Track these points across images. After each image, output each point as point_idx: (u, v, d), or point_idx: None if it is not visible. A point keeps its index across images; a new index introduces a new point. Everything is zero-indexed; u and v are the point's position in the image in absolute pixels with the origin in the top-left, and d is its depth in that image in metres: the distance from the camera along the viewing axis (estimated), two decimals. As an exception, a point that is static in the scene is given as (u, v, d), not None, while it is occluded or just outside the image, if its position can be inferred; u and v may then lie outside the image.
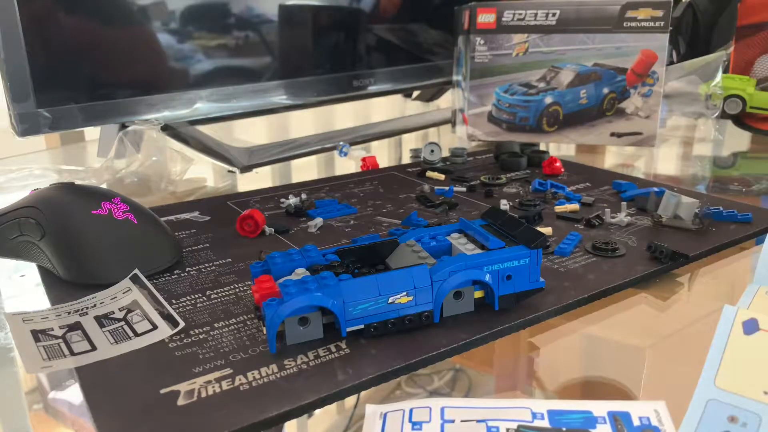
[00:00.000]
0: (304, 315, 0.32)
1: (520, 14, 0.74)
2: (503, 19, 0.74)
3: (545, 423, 0.26)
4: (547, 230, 0.48)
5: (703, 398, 0.24)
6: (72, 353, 0.32)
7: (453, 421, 0.27)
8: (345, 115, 1.07)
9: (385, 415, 0.27)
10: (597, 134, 0.76)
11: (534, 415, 0.27)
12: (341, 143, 0.73)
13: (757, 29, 0.90)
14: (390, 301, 0.33)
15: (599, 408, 0.27)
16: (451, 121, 0.86)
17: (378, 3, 0.84)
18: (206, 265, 0.43)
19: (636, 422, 0.26)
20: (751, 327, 0.27)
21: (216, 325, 0.35)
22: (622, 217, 0.50)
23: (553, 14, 0.73)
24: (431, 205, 0.55)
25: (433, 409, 0.27)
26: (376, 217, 0.53)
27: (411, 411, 0.27)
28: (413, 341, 0.33)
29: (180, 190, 0.66)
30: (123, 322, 0.35)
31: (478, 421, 0.27)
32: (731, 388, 0.25)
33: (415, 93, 1.15)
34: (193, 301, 0.38)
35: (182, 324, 0.34)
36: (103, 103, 0.62)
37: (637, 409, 0.27)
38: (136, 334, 0.34)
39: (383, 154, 0.85)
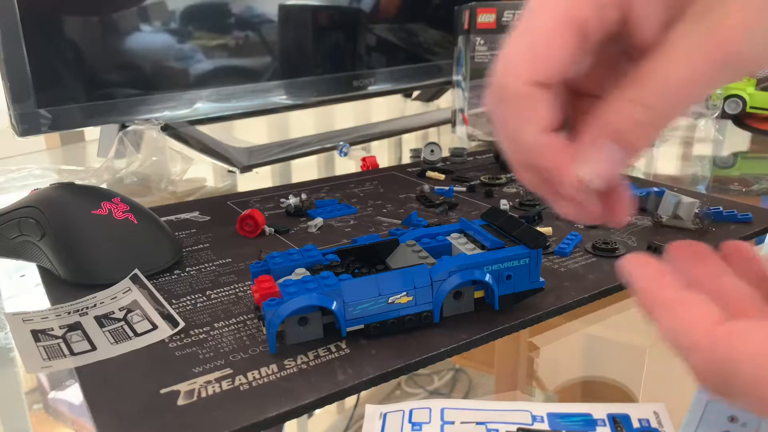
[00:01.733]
0: (304, 315, 0.32)
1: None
2: (503, 19, 0.74)
3: (545, 425, 0.26)
4: (547, 230, 0.48)
5: (702, 398, 0.24)
6: (72, 353, 0.32)
7: (453, 423, 0.27)
8: (345, 115, 1.07)
9: (385, 415, 0.27)
10: (597, 134, 0.76)
11: (534, 418, 0.27)
12: (341, 143, 0.73)
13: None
14: (390, 301, 0.33)
15: (599, 410, 0.27)
16: (451, 121, 0.86)
17: (378, 3, 0.84)
18: (206, 265, 0.43)
19: (636, 424, 0.26)
20: None
21: (216, 325, 0.35)
22: (622, 217, 0.50)
23: (553, 14, 0.73)
24: (431, 205, 0.55)
25: (433, 410, 0.27)
26: (376, 217, 0.53)
27: (411, 412, 0.27)
28: (413, 341, 0.33)
29: (180, 190, 0.66)
30: (123, 322, 0.35)
31: (477, 423, 0.27)
32: None
33: (415, 93, 1.15)
34: (193, 301, 0.38)
35: (182, 324, 0.34)
36: (103, 103, 0.62)
37: (636, 411, 0.27)
38: (136, 334, 0.34)
39: (383, 154, 0.85)
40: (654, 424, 0.26)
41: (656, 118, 0.21)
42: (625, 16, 0.21)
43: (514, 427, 0.26)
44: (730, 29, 0.19)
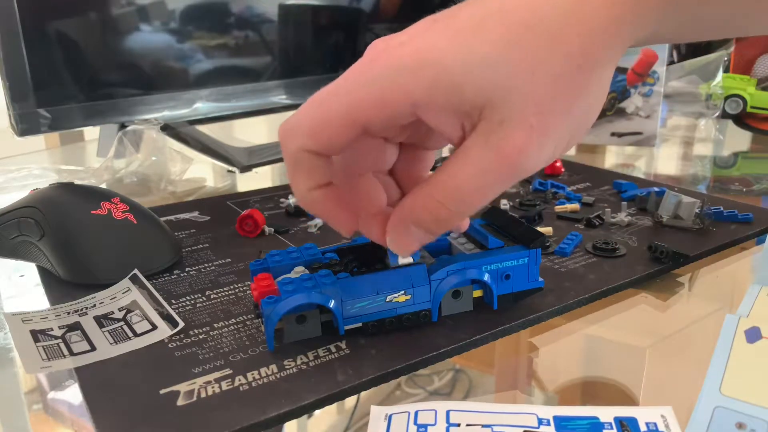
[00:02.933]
0: (302, 313, 0.32)
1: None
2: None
3: (551, 429, 0.26)
4: (547, 230, 0.48)
5: (709, 405, 0.24)
6: (71, 353, 0.32)
7: (458, 425, 0.27)
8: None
9: (390, 416, 0.27)
10: (597, 134, 0.76)
11: (540, 421, 0.27)
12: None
13: (758, 29, 0.90)
14: (388, 299, 0.33)
15: (606, 414, 0.27)
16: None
17: (378, 3, 0.84)
18: (206, 265, 0.43)
19: (643, 428, 0.26)
20: (753, 335, 0.28)
21: (216, 325, 0.35)
22: (623, 217, 0.50)
23: (553, 14, 0.73)
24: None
25: (438, 412, 0.27)
26: (376, 217, 0.53)
27: (416, 413, 0.27)
28: (413, 341, 0.33)
29: (180, 190, 0.66)
30: (122, 323, 0.35)
31: (483, 425, 0.26)
32: (738, 395, 0.25)
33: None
34: (192, 301, 0.38)
35: (182, 324, 0.34)
36: (102, 103, 0.62)
37: (643, 415, 0.27)
38: (136, 335, 0.34)
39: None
40: (661, 428, 0.26)
41: (453, 215, 0.26)
42: (421, 120, 0.25)
43: (521, 430, 0.26)
44: (508, 155, 0.24)
